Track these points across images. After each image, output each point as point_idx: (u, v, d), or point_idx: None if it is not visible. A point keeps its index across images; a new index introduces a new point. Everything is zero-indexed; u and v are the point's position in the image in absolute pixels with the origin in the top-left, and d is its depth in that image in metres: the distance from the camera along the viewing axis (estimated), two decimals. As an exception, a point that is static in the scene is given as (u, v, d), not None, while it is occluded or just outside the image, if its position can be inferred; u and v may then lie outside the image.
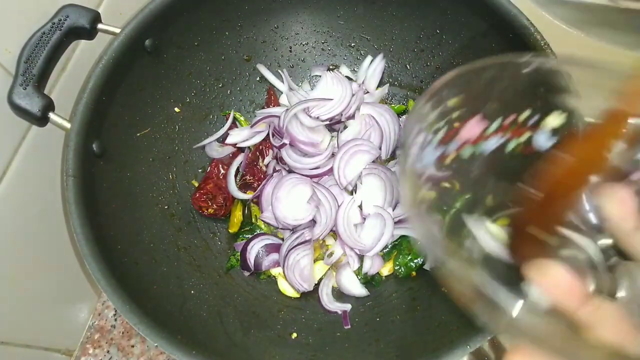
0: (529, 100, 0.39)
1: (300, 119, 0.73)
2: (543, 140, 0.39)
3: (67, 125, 0.60)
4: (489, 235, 0.39)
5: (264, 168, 0.76)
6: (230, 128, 0.78)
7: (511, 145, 0.40)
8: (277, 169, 0.76)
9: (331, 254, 0.71)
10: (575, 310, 0.29)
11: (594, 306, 0.29)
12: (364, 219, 0.71)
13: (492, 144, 0.40)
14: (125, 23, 0.64)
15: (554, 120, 0.39)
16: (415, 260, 0.69)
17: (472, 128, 0.39)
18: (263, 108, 0.81)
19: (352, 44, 0.81)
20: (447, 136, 0.39)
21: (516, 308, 0.31)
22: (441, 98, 0.37)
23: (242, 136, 0.77)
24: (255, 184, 0.75)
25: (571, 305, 0.29)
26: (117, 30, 0.63)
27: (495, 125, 0.39)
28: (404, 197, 0.34)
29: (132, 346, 0.78)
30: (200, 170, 0.78)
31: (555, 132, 0.39)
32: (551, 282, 0.30)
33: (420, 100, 0.37)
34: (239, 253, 0.72)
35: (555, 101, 0.39)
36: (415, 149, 0.37)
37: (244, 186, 0.76)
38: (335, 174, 0.71)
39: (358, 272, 0.71)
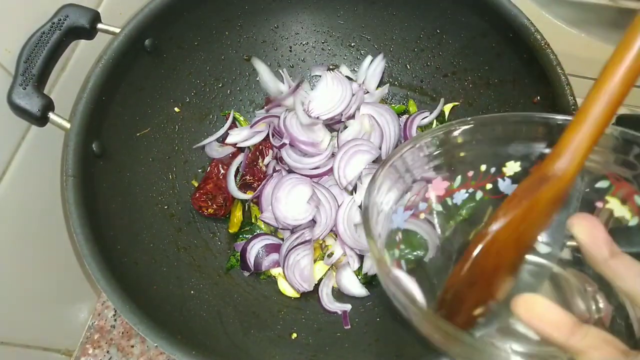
0: (483, 155, 0.42)
1: (300, 118, 0.73)
2: (507, 186, 0.42)
3: (67, 125, 0.60)
4: None
5: (263, 168, 0.76)
6: (230, 128, 0.78)
7: (479, 195, 0.43)
8: (277, 169, 0.75)
9: (331, 254, 0.71)
10: (565, 341, 0.30)
11: (582, 334, 0.30)
12: (364, 219, 0.70)
13: (460, 197, 0.43)
14: (125, 23, 0.64)
15: (511, 169, 0.42)
16: (415, 253, 0.69)
17: (437, 187, 0.42)
18: (263, 108, 0.81)
19: (352, 44, 0.81)
20: (414, 198, 0.41)
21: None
22: (396, 167, 0.40)
23: (242, 136, 0.77)
24: (255, 184, 0.75)
25: (560, 337, 0.30)
26: (117, 30, 0.63)
27: (458, 181, 0.42)
28: (377, 266, 0.35)
29: (132, 346, 0.78)
30: (200, 170, 0.78)
31: (515, 179, 0.42)
32: (538, 318, 0.31)
33: (377, 171, 0.39)
34: (238, 253, 0.72)
35: (509, 150, 0.42)
36: (382, 216, 0.39)
37: (243, 186, 0.76)
38: (335, 174, 0.71)
39: (358, 272, 0.71)
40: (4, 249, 0.63)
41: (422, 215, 0.42)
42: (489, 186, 0.42)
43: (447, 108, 0.77)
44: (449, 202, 0.43)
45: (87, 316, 0.81)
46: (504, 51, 0.66)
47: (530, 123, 0.41)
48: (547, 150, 0.41)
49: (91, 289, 0.82)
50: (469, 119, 0.42)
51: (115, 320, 0.80)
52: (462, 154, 0.42)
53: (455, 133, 0.42)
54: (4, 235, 0.63)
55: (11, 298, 0.66)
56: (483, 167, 0.42)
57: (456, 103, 0.76)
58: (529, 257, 0.42)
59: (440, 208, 0.42)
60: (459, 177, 0.43)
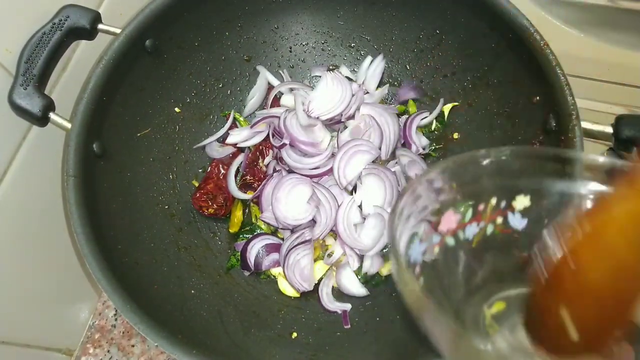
0: (493, 189, 0.42)
1: (300, 119, 0.73)
2: (517, 221, 0.42)
3: (68, 125, 0.60)
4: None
5: (264, 168, 0.76)
6: (230, 128, 0.78)
7: (490, 229, 0.43)
8: (277, 169, 0.76)
9: (331, 254, 0.71)
10: None
11: None
12: (364, 218, 0.71)
13: (471, 231, 0.43)
14: (126, 23, 0.64)
15: (521, 203, 0.42)
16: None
17: (449, 220, 0.42)
18: (263, 108, 0.81)
19: (352, 44, 0.81)
20: (427, 231, 0.42)
21: None
22: (413, 198, 0.41)
23: (242, 136, 0.77)
24: (256, 184, 0.75)
25: None
26: (118, 31, 0.63)
27: (468, 215, 0.42)
28: (405, 296, 0.35)
29: (133, 346, 0.78)
30: (200, 170, 0.78)
31: (524, 213, 0.42)
32: None
33: (396, 202, 0.39)
34: (239, 253, 0.72)
35: (519, 184, 0.42)
36: (402, 248, 0.39)
37: (244, 186, 0.76)
38: (335, 174, 0.71)
39: (358, 272, 0.71)
40: (5, 249, 0.64)
41: (436, 249, 0.42)
42: (499, 220, 0.42)
43: (447, 108, 0.77)
44: (461, 236, 0.42)
45: (88, 316, 0.81)
46: (504, 51, 0.66)
47: (540, 157, 0.42)
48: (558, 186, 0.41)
49: (92, 289, 0.82)
50: (481, 151, 0.42)
51: (116, 319, 0.80)
52: (472, 187, 0.42)
53: (467, 165, 0.42)
54: (4, 235, 0.63)
55: (12, 298, 0.66)
56: (493, 201, 0.42)
57: (456, 103, 0.76)
58: None
59: (452, 242, 0.42)
60: (470, 210, 0.42)
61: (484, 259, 0.43)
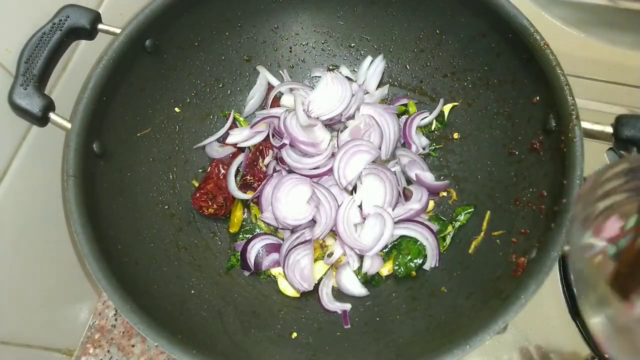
0: None
1: (300, 119, 0.73)
2: None
3: (68, 125, 0.60)
4: None
5: (264, 168, 0.76)
6: (230, 128, 0.78)
7: None
8: (277, 169, 0.76)
9: (331, 254, 0.71)
10: None
11: None
12: (364, 219, 0.71)
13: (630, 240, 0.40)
14: (126, 23, 0.64)
15: None
16: (415, 261, 0.69)
17: (612, 227, 0.40)
18: (263, 108, 0.81)
19: (352, 44, 0.81)
20: (594, 236, 0.40)
21: None
22: (586, 202, 0.40)
23: (243, 136, 0.77)
24: (256, 184, 0.75)
25: None
26: (118, 31, 0.63)
27: (631, 222, 0.40)
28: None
29: (133, 346, 0.78)
30: (200, 170, 0.78)
31: None
32: None
33: (575, 206, 0.40)
34: (239, 253, 0.72)
35: None
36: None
37: (244, 186, 0.76)
38: (335, 174, 0.71)
39: (358, 272, 0.71)
40: (5, 249, 0.64)
41: (599, 258, 0.40)
42: None
43: (447, 108, 0.77)
44: (622, 243, 0.40)
45: (88, 316, 0.81)
46: (504, 51, 0.66)
47: None
48: None
49: (92, 289, 0.82)
50: None
51: (116, 319, 0.80)
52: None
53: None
54: (4, 235, 0.63)
55: (12, 298, 0.66)
56: None
57: (456, 103, 0.76)
58: None
59: (613, 250, 0.40)
60: (633, 217, 0.39)
61: None
